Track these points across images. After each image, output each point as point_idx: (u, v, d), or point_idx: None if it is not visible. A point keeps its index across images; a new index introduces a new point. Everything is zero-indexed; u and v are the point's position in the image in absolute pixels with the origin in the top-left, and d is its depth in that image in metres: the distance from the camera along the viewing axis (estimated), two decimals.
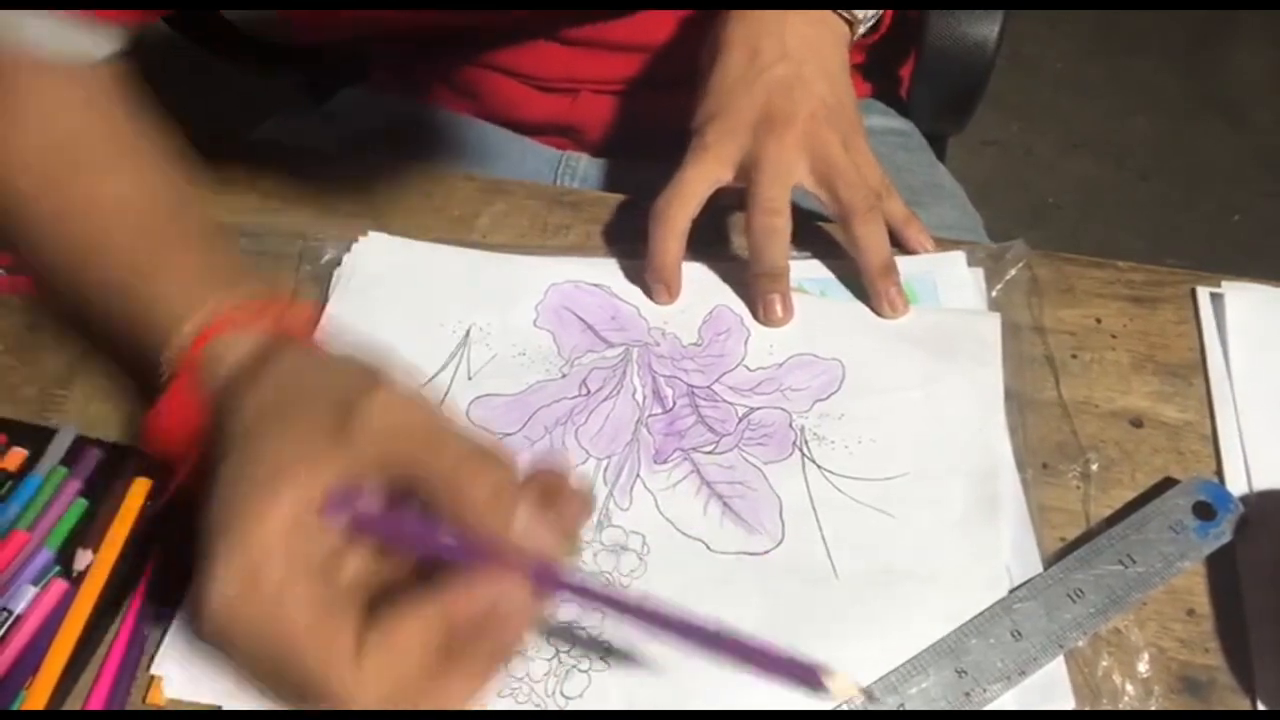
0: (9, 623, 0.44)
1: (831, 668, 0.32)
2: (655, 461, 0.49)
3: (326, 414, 0.32)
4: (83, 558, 0.46)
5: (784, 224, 0.51)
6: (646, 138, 0.69)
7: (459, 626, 0.29)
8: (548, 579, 0.30)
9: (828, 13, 0.55)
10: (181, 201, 0.45)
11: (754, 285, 0.53)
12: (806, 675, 0.32)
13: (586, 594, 0.32)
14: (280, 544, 0.29)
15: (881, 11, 0.58)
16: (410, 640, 0.29)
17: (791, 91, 0.52)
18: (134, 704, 0.43)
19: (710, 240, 0.53)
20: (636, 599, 0.33)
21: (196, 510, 0.32)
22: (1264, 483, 0.47)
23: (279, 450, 0.31)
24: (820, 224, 0.56)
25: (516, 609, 0.30)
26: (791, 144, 0.51)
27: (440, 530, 0.31)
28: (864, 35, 0.58)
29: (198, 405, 0.37)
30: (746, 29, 0.53)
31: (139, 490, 0.48)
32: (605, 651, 0.43)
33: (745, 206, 0.51)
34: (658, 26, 0.66)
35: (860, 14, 0.56)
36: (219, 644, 0.30)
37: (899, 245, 0.55)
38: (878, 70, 0.67)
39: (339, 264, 0.57)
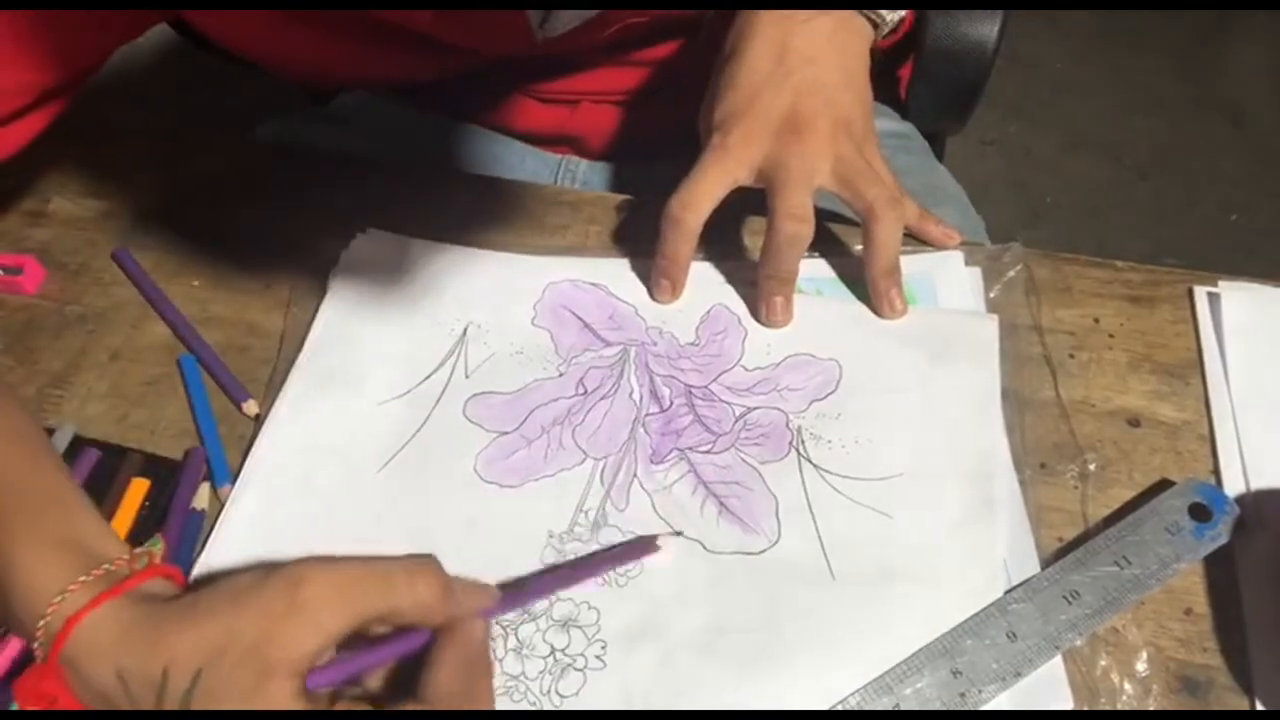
0: None
1: (659, 538, 0.46)
2: (652, 461, 0.49)
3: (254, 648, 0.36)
4: None
5: (809, 231, 0.50)
6: (646, 144, 0.69)
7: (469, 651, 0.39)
8: (489, 612, 0.41)
9: (855, 15, 0.54)
10: (32, 472, 0.42)
11: (761, 286, 0.53)
12: (646, 547, 0.45)
13: (511, 603, 0.42)
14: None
15: (905, 13, 0.57)
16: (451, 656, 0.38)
17: (817, 96, 0.51)
18: None
19: (709, 239, 0.53)
20: (534, 583, 0.44)
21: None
22: (1261, 482, 0.47)
23: (251, 663, 0.35)
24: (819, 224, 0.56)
25: (485, 634, 0.40)
26: (814, 149, 0.51)
27: (401, 638, 0.39)
28: (884, 37, 0.57)
29: (67, 683, 0.37)
30: (777, 25, 0.53)
31: (137, 490, 0.49)
32: (601, 650, 0.43)
33: (766, 210, 0.51)
34: (660, 39, 0.66)
35: (888, 16, 0.55)
36: None
37: (922, 243, 0.56)
38: (876, 71, 0.66)
39: (336, 262, 0.57)
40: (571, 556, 0.46)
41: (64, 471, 0.43)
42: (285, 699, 0.35)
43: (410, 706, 0.36)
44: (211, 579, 0.39)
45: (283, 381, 0.52)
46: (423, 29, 0.56)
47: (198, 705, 0.35)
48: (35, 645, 0.37)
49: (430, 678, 0.37)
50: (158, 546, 0.46)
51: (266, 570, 0.37)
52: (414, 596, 0.38)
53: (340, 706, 0.36)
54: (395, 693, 0.39)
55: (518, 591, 0.43)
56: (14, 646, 0.43)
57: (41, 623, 0.37)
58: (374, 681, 0.40)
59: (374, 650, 0.38)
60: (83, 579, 0.37)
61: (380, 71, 0.68)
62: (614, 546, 0.46)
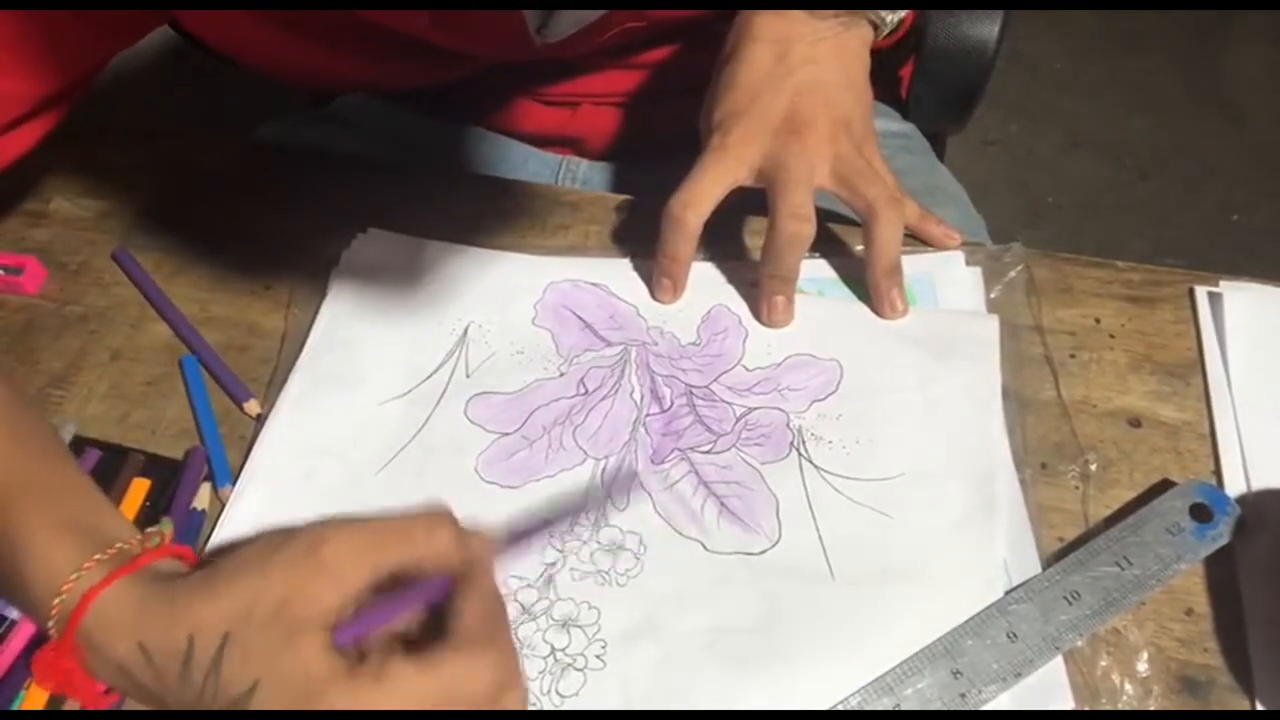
0: (8, 622, 0.44)
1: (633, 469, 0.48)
2: (653, 461, 0.49)
3: (276, 609, 0.36)
4: None
5: (810, 230, 0.50)
6: (647, 145, 0.69)
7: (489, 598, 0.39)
8: (502, 556, 0.42)
9: (855, 15, 0.54)
10: (42, 461, 0.43)
11: (763, 286, 0.53)
12: (626, 481, 0.47)
13: (518, 543, 0.43)
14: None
15: (905, 13, 0.57)
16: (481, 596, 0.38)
17: (816, 96, 0.51)
18: (131, 703, 0.43)
19: (709, 239, 0.53)
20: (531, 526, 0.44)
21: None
22: (1262, 482, 0.47)
23: (280, 616, 0.36)
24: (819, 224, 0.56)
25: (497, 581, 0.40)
26: (814, 149, 0.51)
27: (419, 587, 0.39)
28: (884, 37, 0.57)
29: (83, 660, 0.38)
30: (777, 26, 0.53)
31: (138, 490, 0.49)
32: (601, 650, 0.43)
33: (767, 209, 0.51)
34: (660, 42, 0.66)
35: (888, 16, 0.55)
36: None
37: (922, 243, 0.56)
38: (877, 71, 0.67)
39: (337, 262, 0.57)
40: (572, 557, 0.46)
41: (73, 462, 0.44)
42: (315, 654, 0.35)
43: (439, 650, 0.36)
44: (223, 551, 0.39)
45: (283, 382, 0.52)
46: (419, 34, 0.56)
47: (227, 669, 0.35)
48: (50, 624, 0.38)
49: (457, 624, 0.37)
50: (168, 528, 0.46)
51: (285, 534, 0.38)
52: (432, 548, 0.38)
53: (370, 659, 0.36)
54: (418, 639, 0.39)
55: (519, 535, 0.43)
56: (16, 642, 0.43)
57: (57, 600, 0.37)
58: (397, 628, 0.40)
59: (393, 603, 0.38)
60: (97, 557, 0.38)
61: (378, 78, 0.68)
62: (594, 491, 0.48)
